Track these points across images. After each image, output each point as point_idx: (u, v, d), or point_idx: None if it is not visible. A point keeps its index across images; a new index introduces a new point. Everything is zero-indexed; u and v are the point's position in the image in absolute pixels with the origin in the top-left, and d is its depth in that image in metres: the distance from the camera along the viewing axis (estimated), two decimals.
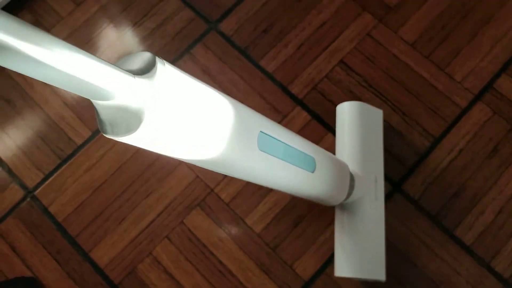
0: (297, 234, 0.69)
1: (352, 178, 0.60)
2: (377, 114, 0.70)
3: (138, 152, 0.74)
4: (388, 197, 0.70)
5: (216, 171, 0.39)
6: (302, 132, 0.73)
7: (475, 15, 0.77)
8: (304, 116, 0.73)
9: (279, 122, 0.74)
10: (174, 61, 0.78)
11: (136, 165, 0.73)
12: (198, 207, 0.71)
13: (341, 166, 0.57)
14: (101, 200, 0.72)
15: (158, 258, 0.69)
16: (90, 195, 0.73)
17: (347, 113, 0.68)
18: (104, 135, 0.28)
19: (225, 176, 0.72)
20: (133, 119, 0.27)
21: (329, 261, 0.67)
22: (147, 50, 0.79)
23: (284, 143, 0.44)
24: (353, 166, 0.64)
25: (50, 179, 0.74)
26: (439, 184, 0.70)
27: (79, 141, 0.75)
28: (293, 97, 0.75)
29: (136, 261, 0.69)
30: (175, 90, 0.30)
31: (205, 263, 0.68)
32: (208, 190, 0.71)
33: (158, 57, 0.29)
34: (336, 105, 0.72)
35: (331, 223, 0.69)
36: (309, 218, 0.69)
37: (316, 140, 0.72)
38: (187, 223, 0.70)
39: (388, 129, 0.72)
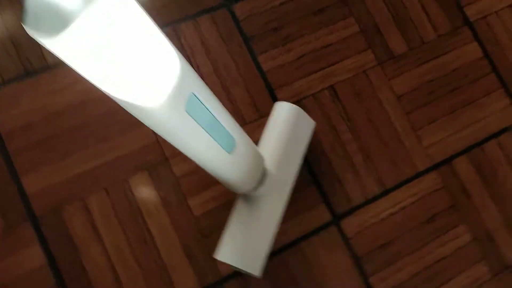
0: None
1: (264, 174, 0.61)
2: (309, 125, 0.71)
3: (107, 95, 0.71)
4: (324, 226, 0.72)
5: (133, 114, 0.37)
6: None
7: (461, 93, 0.81)
8: None
9: (255, 120, 0.74)
10: (176, 22, 0.75)
11: (102, 106, 0.70)
12: (147, 171, 0.69)
13: (258, 158, 0.57)
14: (52, 128, 0.69)
15: (88, 206, 0.67)
16: (42, 119, 0.69)
17: (283, 113, 0.69)
18: (24, 26, 0.26)
19: None
20: (61, 20, 0.25)
21: None
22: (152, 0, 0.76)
23: (211, 114, 0.43)
24: (269, 163, 0.65)
25: (7, 86, 0.69)
26: (373, 231, 0.73)
27: (51, 61, 0.71)
28: (276, 101, 0.75)
29: (66, 201, 0.67)
30: (120, 9, 0.27)
31: (133, 227, 0.67)
32: (162, 158, 0.70)
33: None
34: None
35: None
36: None
37: None
38: (131, 182, 0.69)
39: (349, 165, 0.75)
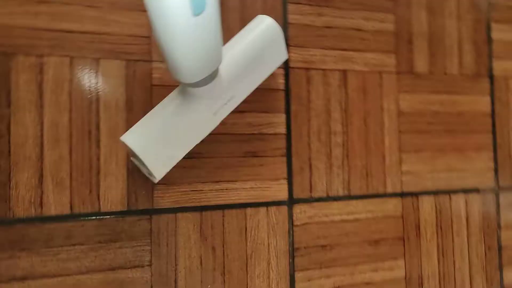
0: (189, 164, 0.62)
1: (214, 75, 0.52)
2: (281, 54, 0.63)
3: None
4: (277, 203, 0.67)
5: None
6: (267, 92, 0.67)
7: (455, 138, 0.79)
8: (280, 81, 0.68)
9: None
10: None
11: None
12: (125, 62, 0.60)
13: (217, 48, 0.47)
14: None
15: (44, 67, 0.57)
16: None
17: (262, 28, 0.60)
18: None
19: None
20: None
21: (185, 208, 0.62)
22: None
23: None
24: (224, 68, 0.56)
25: None
26: (320, 229, 0.69)
27: None
28: (286, 63, 0.68)
29: (21, 49, 0.56)
30: None
31: (82, 114, 0.58)
32: (147, 58, 0.61)
33: None
34: (310, 101, 0.69)
35: (219, 180, 0.64)
36: (212, 158, 0.63)
37: (268, 107, 0.67)
38: (102, 65, 0.59)
39: (326, 155, 0.70)
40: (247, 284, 0.64)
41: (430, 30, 0.78)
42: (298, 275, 0.67)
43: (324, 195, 0.70)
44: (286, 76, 0.68)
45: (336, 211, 0.70)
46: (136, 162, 0.56)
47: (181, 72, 0.46)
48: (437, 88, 0.78)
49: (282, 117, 0.68)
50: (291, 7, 0.69)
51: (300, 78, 0.69)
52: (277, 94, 0.68)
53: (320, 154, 0.70)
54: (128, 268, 0.59)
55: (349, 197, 0.71)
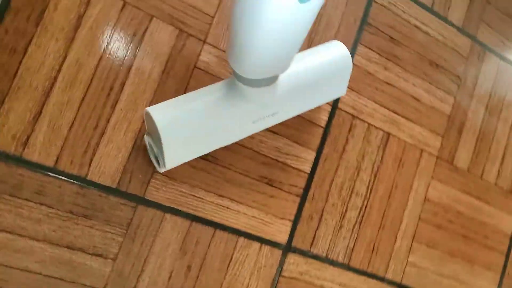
0: (200, 166, 0.55)
1: (273, 81, 0.46)
2: (342, 87, 0.58)
3: None
4: (273, 244, 0.59)
5: None
6: (307, 123, 0.61)
7: (470, 246, 0.72)
8: (323, 118, 0.62)
9: None
10: None
11: None
12: (178, 30, 0.54)
13: (292, 54, 0.41)
14: None
15: (92, 1, 0.50)
16: None
17: (335, 54, 0.55)
18: None
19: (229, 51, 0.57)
20: None
21: (177, 211, 0.54)
22: None
23: None
24: (284, 78, 0.50)
25: None
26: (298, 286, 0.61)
27: None
28: (336, 102, 0.63)
29: None
30: None
31: (112, 67, 0.51)
32: (202, 37, 0.55)
33: None
34: (345, 150, 0.63)
35: (224, 195, 0.56)
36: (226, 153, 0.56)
37: (301, 139, 0.60)
38: (153, 24, 0.53)
39: (339, 213, 0.63)
40: None
41: (482, 127, 0.74)
42: None
43: (324, 254, 0.62)
44: (331, 115, 0.62)
45: (329, 276, 0.62)
46: (149, 142, 0.48)
47: (246, 63, 0.40)
48: (469, 189, 0.72)
49: (311, 155, 0.61)
50: (361, 49, 0.64)
51: (344, 122, 0.63)
52: (315, 129, 0.61)
53: (335, 209, 0.63)
54: (90, 254, 0.49)
55: (348, 267, 0.63)
